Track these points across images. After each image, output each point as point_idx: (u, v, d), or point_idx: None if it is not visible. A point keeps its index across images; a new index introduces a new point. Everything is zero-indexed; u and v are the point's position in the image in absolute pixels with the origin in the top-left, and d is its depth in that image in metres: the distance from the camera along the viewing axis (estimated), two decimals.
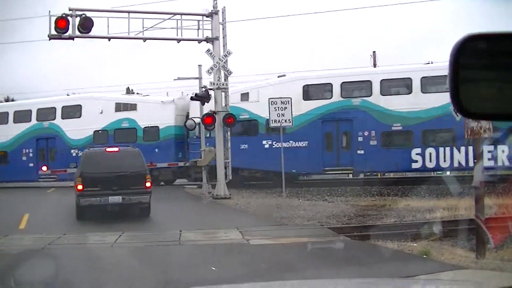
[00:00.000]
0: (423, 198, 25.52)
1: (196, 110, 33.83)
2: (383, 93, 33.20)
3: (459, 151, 31.66)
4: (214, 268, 12.57)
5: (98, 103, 39.05)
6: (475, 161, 13.71)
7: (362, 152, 32.42)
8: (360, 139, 33.01)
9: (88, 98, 40.50)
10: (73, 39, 26.86)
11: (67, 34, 26.41)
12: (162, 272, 12.49)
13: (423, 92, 32.59)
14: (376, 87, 33.23)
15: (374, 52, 52.30)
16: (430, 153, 32.25)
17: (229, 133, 30.01)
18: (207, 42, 28.39)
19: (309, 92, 33.98)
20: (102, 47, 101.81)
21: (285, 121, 26.68)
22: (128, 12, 27.87)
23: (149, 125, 37.50)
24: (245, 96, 35.48)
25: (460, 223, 16.91)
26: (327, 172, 34.00)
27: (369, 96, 33.19)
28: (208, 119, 28.17)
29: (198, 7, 31.26)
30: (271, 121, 26.81)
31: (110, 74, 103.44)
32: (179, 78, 35.80)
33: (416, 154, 32.20)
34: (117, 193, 20.83)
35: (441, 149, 32.15)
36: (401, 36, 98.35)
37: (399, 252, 14.16)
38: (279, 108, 26.55)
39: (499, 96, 3.06)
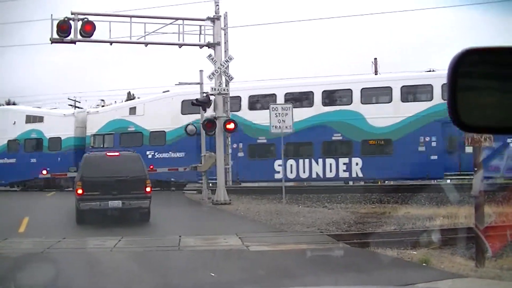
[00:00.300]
0: (423, 205, 25.54)
1: (92, 123, 38.63)
2: (250, 108, 35.73)
3: (317, 163, 33.90)
4: (213, 274, 12.57)
5: (12, 115, 41.99)
6: (475, 169, 13.68)
7: (231, 162, 33.30)
8: (229, 150, 34.11)
9: (3, 110, 44.50)
10: (75, 43, 26.95)
11: (69, 38, 26.49)
12: (161, 277, 12.49)
13: None
14: (244, 103, 35.63)
15: (375, 59, 52.35)
16: (291, 165, 34.45)
17: (229, 138, 30.11)
18: (208, 48, 28.44)
19: (187, 106, 35.42)
20: (104, 51, 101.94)
21: (286, 127, 26.74)
22: (130, 16, 27.95)
23: (53, 136, 39.87)
24: (133, 110, 38.48)
25: (460, 231, 16.88)
26: (200, 181, 35.05)
27: (238, 110, 35.09)
28: (209, 124, 28.22)
29: (200, 13, 31.49)
30: (271, 127, 26.89)
31: (111, 78, 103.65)
32: (180, 83, 35.93)
33: (278, 165, 33.61)
34: (117, 197, 20.83)
35: (300, 161, 34.33)
36: (404, 43, 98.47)
37: (398, 259, 14.14)
38: (280, 114, 26.63)
39: (496, 109, 3.08)
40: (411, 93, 34.37)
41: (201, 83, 31.95)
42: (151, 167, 31.54)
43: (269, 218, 22.44)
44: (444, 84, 31.36)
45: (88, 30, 26.23)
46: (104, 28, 27.18)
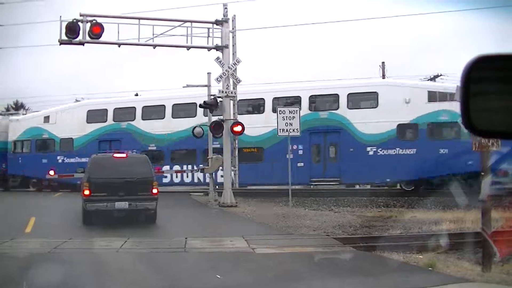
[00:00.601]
0: (429, 210, 25.43)
1: (13, 130, 42.11)
2: (143, 118, 38.89)
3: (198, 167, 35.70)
4: (219, 276, 12.58)
5: None
6: (483, 174, 13.65)
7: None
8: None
9: None
10: (83, 45, 26.98)
11: (77, 39, 26.53)
12: (167, 279, 12.50)
13: (173, 117, 38.07)
14: (138, 113, 38.97)
15: (383, 62, 52.39)
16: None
17: (236, 141, 30.19)
18: (216, 50, 28.49)
19: (91, 116, 40.29)
20: (112, 52, 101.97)
21: (293, 130, 26.74)
22: (139, 18, 27.97)
23: None
24: (46, 119, 41.83)
25: (466, 236, 16.84)
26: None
27: (133, 120, 38.93)
28: (216, 127, 28.25)
29: (208, 15, 31.68)
30: (278, 130, 26.90)
31: (119, 79, 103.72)
32: (188, 86, 36.07)
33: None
34: (124, 199, 20.86)
35: (184, 166, 37.29)
36: (410, 47, 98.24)
37: (404, 264, 14.11)
38: (287, 118, 26.62)
39: (508, 115, 3.09)
40: (281, 104, 35.60)
41: (208, 86, 32.03)
42: (157, 169, 31.77)
43: (276, 221, 22.42)
44: (311, 96, 34.94)
45: (96, 31, 26.29)
46: (113, 30, 27.26)
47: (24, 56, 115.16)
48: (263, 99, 36.27)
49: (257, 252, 15.78)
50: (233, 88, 28.69)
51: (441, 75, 52.28)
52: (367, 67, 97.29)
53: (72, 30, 26.12)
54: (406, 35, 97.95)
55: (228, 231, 20.24)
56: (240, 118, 34.25)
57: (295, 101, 35.07)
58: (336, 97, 34.66)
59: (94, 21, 26.27)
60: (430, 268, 13.36)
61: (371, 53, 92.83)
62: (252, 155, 35.71)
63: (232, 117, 28.77)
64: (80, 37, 26.45)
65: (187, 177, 36.77)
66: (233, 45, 28.94)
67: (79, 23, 26.23)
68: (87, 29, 26.25)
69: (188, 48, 28.71)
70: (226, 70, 28.03)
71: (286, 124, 26.82)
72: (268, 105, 35.82)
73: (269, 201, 30.62)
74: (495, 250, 12.72)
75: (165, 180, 35.95)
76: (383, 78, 49.80)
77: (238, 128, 28.18)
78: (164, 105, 38.57)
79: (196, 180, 36.67)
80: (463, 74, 3.12)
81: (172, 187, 36.26)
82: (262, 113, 35.81)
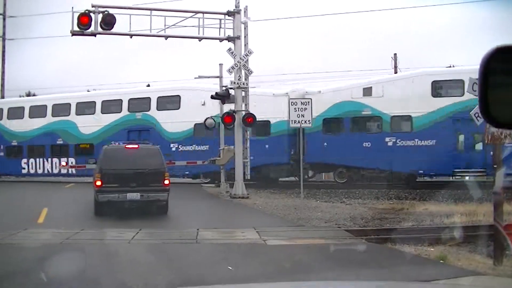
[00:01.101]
0: (441, 202, 25.38)
1: None
2: (9, 117, 43.64)
3: (47, 161, 42.32)
4: (230, 268, 12.59)
5: None
6: (495, 166, 13.58)
7: None
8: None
9: None
10: (95, 36, 27.04)
11: (89, 30, 26.57)
12: (179, 270, 12.54)
13: (30, 118, 42.78)
14: (5, 113, 43.79)
15: (395, 54, 52.15)
16: (32, 163, 42.63)
17: (248, 132, 30.19)
18: (228, 41, 28.45)
19: None
20: (123, 44, 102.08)
21: (305, 121, 26.73)
22: (151, 9, 28.01)
23: None
24: None
25: (478, 229, 16.77)
26: None
27: (1, 119, 43.76)
28: (228, 118, 28.23)
29: (220, 6, 31.66)
30: (291, 122, 26.90)
31: (131, 70, 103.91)
32: (200, 77, 36.17)
33: (24, 163, 42.71)
34: (136, 190, 20.91)
35: (38, 160, 42.58)
36: (422, 38, 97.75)
37: (416, 256, 14.08)
38: (299, 109, 26.61)
39: None
40: (107, 106, 41.16)
41: (220, 77, 32.07)
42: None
43: (287, 213, 22.43)
44: (130, 99, 40.07)
45: (108, 22, 26.30)
46: (124, 21, 27.32)
47: (35, 47, 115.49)
48: (94, 101, 41.48)
49: (268, 244, 15.77)
50: (245, 79, 28.66)
51: (453, 66, 52.04)
52: (381, 58, 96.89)
53: (84, 21, 26.12)
54: (419, 27, 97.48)
55: (240, 223, 20.27)
56: (77, 118, 41.06)
57: (116, 103, 40.33)
58: (148, 100, 39.73)
59: (106, 12, 26.28)
60: (441, 261, 13.32)
61: (384, 44, 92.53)
62: (85, 150, 40.20)
63: (243, 109, 28.67)
64: (92, 28, 26.49)
65: (39, 168, 42.35)
66: (245, 36, 28.88)
67: (91, 14, 26.25)
68: (99, 20, 26.27)
69: (200, 39, 28.72)
70: (238, 61, 28.00)
71: (298, 116, 26.80)
72: (98, 107, 40.92)
73: (281, 192, 30.65)
74: (508, 243, 12.65)
75: (23, 171, 42.47)
76: (394, 70, 49.66)
77: (250, 120, 28.16)
78: (23, 107, 43.81)
79: (46, 171, 42.05)
80: (482, 65, 3.10)
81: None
82: (93, 113, 40.73)
